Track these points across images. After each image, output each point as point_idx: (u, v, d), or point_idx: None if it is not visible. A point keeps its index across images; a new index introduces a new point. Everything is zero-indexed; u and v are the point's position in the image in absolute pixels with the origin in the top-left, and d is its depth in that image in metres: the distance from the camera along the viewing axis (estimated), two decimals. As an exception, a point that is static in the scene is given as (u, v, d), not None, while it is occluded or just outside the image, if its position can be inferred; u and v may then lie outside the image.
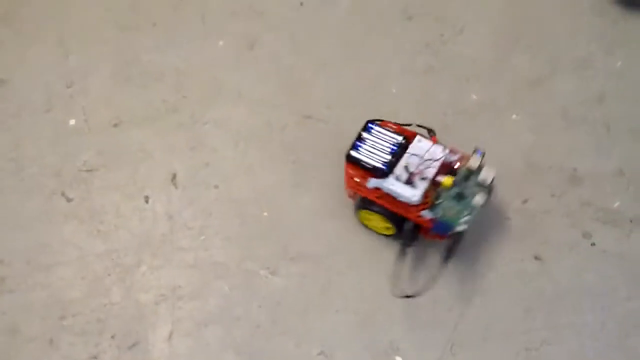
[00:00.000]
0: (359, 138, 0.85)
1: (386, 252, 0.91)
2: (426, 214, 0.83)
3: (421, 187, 0.82)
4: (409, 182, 0.82)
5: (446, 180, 0.82)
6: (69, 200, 0.96)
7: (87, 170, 0.97)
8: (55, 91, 1.02)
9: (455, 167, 0.84)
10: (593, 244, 0.91)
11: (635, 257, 0.90)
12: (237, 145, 0.98)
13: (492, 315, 0.88)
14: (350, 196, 0.92)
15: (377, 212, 0.87)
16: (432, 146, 0.84)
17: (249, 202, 0.95)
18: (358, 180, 0.85)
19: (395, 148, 0.84)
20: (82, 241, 0.94)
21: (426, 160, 0.83)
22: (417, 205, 0.83)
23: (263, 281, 0.91)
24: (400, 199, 0.83)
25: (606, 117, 0.98)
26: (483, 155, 0.83)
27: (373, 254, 0.92)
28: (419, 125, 0.87)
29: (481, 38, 1.03)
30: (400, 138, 0.85)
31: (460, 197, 0.83)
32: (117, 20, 1.06)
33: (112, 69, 1.03)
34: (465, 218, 0.82)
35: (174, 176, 0.97)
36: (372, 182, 0.84)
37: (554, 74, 1.01)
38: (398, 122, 0.87)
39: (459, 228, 0.82)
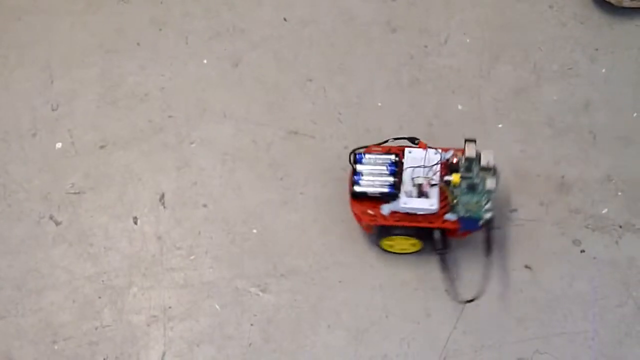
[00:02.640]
0: (355, 172, 0.85)
1: (376, 266, 0.91)
2: (450, 217, 0.84)
3: (434, 193, 0.83)
4: (421, 194, 0.83)
5: (454, 177, 0.83)
6: (57, 223, 0.96)
7: (75, 193, 0.97)
8: (41, 115, 1.02)
9: (455, 162, 0.85)
10: (583, 251, 0.91)
11: (626, 263, 0.90)
12: (224, 164, 0.98)
13: (485, 326, 0.88)
14: (367, 230, 0.91)
15: (401, 234, 0.87)
16: (425, 152, 0.85)
17: (237, 220, 0.95)
18: (372, 212, 0.85)
19: (392, 168, 0.85)
20: (71, 264, 0.93)
21: (426, 167, 0.84)
22: (437, 213, 0.83)
23: (254, 299, 0.91)
24: (420, 213, 0.83)
25: (592, 124, 0.98)
26: (475, 142, 0.84)
27: (363, 268, 0.92)
28: (399, 138, 0.88)
29: (465, 48, 1.03)
30: (392, 156, 0.85)
31: (472, 188, 0.84)
32: (102, 44, 1.06)
33: (98, 91, 1.03)
34: (487, 205, 0.83)
35: (162, 196, 0.97)
36: (386, 208, 0.85)
37: (538, 82, 1.01)
38: (384, 137, 0.88)
39: (487, 216, 0.83)
